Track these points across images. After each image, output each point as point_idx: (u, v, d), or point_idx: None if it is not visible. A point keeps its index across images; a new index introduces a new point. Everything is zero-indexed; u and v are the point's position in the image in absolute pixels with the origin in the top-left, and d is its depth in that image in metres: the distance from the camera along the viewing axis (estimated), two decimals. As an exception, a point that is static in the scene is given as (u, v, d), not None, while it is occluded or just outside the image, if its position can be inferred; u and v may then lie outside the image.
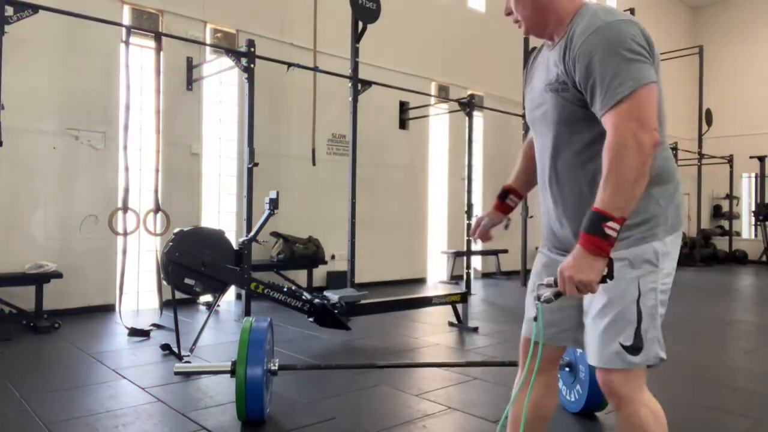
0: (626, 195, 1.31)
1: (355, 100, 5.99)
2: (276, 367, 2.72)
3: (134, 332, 4.40)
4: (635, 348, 1.46)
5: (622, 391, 1.48)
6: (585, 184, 1.50)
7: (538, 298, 1.44)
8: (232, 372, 2.56)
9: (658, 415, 1.53)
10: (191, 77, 5.93)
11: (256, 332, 2.61)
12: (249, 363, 2.48)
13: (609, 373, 1.48)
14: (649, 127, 1.31)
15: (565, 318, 1.64)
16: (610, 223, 1.30)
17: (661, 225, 1.51)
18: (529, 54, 7.86)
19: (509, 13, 1.62)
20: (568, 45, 1.43)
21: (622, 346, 1.45)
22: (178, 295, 3.97)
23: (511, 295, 7.03)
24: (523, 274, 7.86)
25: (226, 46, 6.06)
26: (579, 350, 2.49)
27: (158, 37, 4.94)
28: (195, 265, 3.88)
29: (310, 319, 4.19)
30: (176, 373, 2.75)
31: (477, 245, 2.04)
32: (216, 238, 4.16)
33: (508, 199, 1.91)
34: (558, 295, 1.40)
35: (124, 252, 4.70)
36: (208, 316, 4.20)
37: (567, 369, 2.82)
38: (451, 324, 4.89)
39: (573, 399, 2.78)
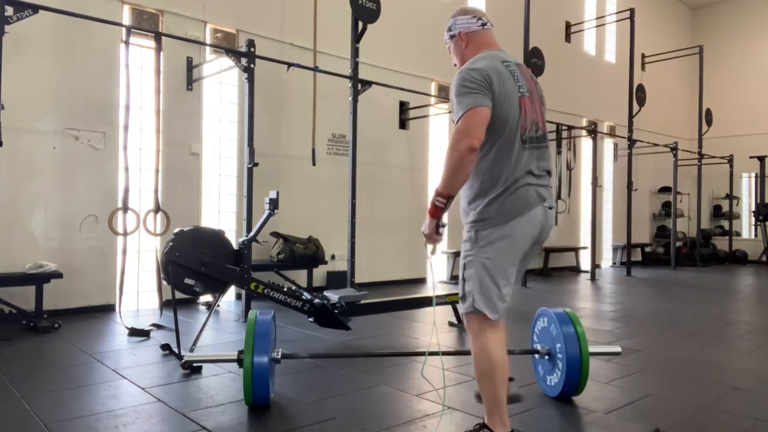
0: (448, 179, 2.07)
1: (355, 100, 5.99)
2: (279, 356, 2.88)
3: (134, 332, 4.40)
4: (462, 298, 2.24)
5: (467, 330, 2.27)
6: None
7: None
8: (239, 361, 2.75)
9: (484, 351, 2.17)
10: (191, 77, 5.93)
11: (261, 324, 2.79)
12: (255, 352, 2.66)
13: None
14: (469, 136, 2.02)
15: None
16: (438, 198, 2.11)
17: (484, 221, 2.19)
18: (527, 57, 7.89)
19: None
20: None
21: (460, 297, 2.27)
22: (178, 295, 3.97)
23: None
24: (523, 274, 7.85)
25: (226, 46, 6.06)
26: (558, 344, 2.92)
27: (158, 37, 4.94)
28: (195, 265, 3.88)
29: (310, 319, 4.19)
30: (185, 363, 3.03)
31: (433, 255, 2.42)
32: (216, 238, 4.16)
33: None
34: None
35: (124, 252, 4.70)
36: (208, 316, 4.20)
37: (546, 357, 3.02)
38: (451, 324, 4.89)
39: (552, 384, 3.00)
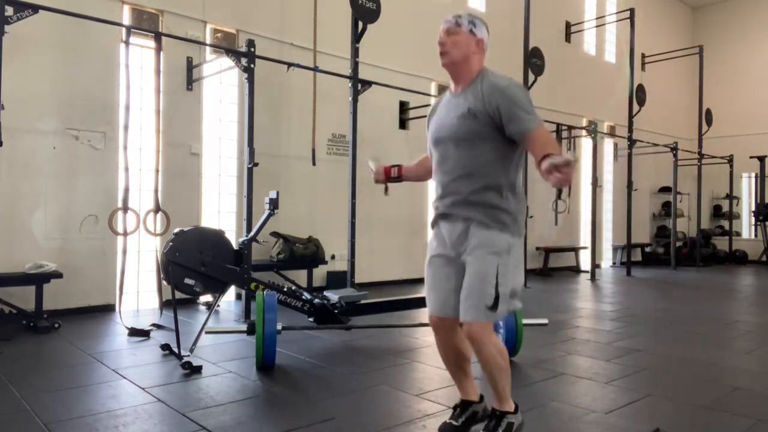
0: (557, 150, 2.08)
1: (355, 100, 5.99)
2: (280, 328, 3.56)
3: (134, 332, 4.40)
4: (493, 306, 2.23)
5: (478, 336, 2.25)
6: (475, 171, 2.28)
7: None
8: (249, 331, 3.51)
9: (501, 349, 2.28)
10: (191, 77, 5.93)
11: (268, 302, 3.47)
12: (265, 323, 3.37)
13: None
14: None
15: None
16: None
17: (520, 235, 2.34)
18: (527, 57, 7.89)
19: (442, 43, 2.32)
20: (482, 91, 2.23)
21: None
22: (178, 295, 3.97)
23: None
24: (523, 274, 7.85)
25: (226, 46, 6.06)
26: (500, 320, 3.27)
27: (158, 37, 4.94)
28: (195, 265, 3.88)
29: (310, 319, 4.19)
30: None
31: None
32: (216, 238, 4.16)
33: (393, 169, 2.83)
34: None
35: (124, 252, 4.70)
36: (208, 316, 4.20)
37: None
38: (451, 324, 4.89)
39: None
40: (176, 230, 4.02)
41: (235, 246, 4.33)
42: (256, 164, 5.11)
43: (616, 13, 11.09)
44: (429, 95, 7.88)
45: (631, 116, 9.92)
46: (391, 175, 2.79)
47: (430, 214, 2.47)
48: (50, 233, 5.10)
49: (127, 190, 4.66)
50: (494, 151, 2.24)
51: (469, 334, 2.23)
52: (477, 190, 2.26)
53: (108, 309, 5.35)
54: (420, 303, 4.91)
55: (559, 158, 1.92)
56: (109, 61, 5.37)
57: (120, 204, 4.71)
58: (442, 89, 8.46)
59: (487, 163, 2.25)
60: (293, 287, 4.45)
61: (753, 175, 13.08)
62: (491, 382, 2.31)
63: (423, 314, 5.22)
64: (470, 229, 2.26)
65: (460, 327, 2.30)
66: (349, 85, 6.01)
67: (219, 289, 4.18)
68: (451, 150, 2.31)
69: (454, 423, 2.42)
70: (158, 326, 4.67)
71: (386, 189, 2.88)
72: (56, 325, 4.51)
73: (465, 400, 2.47)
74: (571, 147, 9.30)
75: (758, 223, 12.62)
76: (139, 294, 5.64)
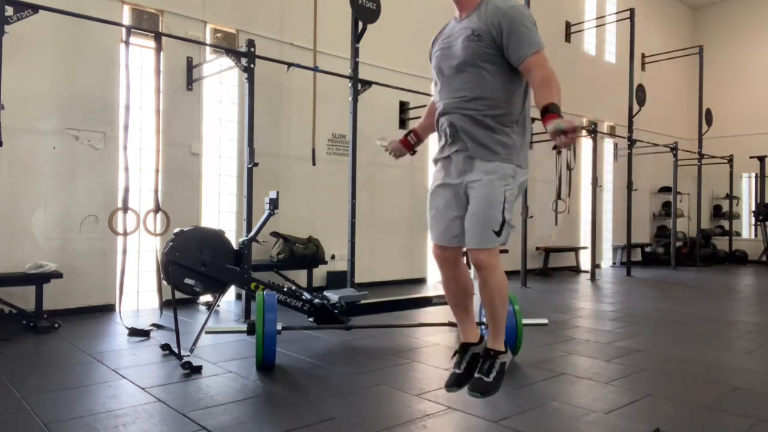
0: (560, 98, 2.13)
1: (355, 100, 5.99)
2: (280, 328, 3.54)
3: (134, 332, 4.40)
4: (498, 232, 2.25)
5: (484, 263, 2.26)
6: (479, 95, 2.27)
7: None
8: (249, 331, 3.50)
9: (504, 278, 2.31)
10: (191, 77, 5.93)
11: (268, 302, 3.48)
12: (265, 323, 3.38)
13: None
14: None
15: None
16: (558, 108, 2.10)
17: (524, 163, 2.34)
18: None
19: None
20: (486, 13, 2.23)
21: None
22: (178, 295, 3.97)
23: (511, 295, 7.02)
24: (523, 274, 7.86)
25: (226, 46, 6.06)
26: None
27: (158, 37, 4.94)
28: (195, 265, 3.88)
29: (310, 319, 4.19)
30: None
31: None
32: (216, 238, 4.16)
33: (409, 137, 2.75)
34: None
35: (124, 252, 4.70)
36: (208, 316, 4.20)
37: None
38: (451, 324, 4.88)
39: None
40: (176, 230, 4.02)
41: (235, 246, 4.33)
42: (256, 164, 5.11)
43: (616, 13, 11.08)
44: (429, 95, 7.87)
45: (631, 116, 9.92)
46: (411, 144, 2.77)
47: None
48: (50, 233, 5.10)
49: (127, 190, 4.66)
50: (499, 75, 2.24)
51: (477, 261, 2.24)
52: (481, 113, 2.25)
53: (108, 309, 5.35)
54: (420, 303, 4.91)
55: (565, 123, 1.93)
56: (109, 61, 5.37)
57: (120, 204, 4.71)
58: (442, 89, 8.47)
59: (491, 88, 2.24)
60: (293, 287, 4.45)
61: (753, 175, 13.08)
62: (491, 313, 2.32)
63: (423, 314, 5.23)
64: (476, 158, 2.26)
65: (464, 257, 2.32)
66: (349, 85, 6.01)
67: (219, 289, 4.18)
68: (456, 75, 2.30)
69: (457, 371, 2.40)
70: (158, 326, 4.67)
71: (414, 153, 2.87)
72: (56, 325, 4.51)
73: (464, 343, 2.47)
74: (571, 147, 9.29)
75: (758, 223, 12.61)
76: (139, 294, 5.64)
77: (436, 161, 2.45)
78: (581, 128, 2.18)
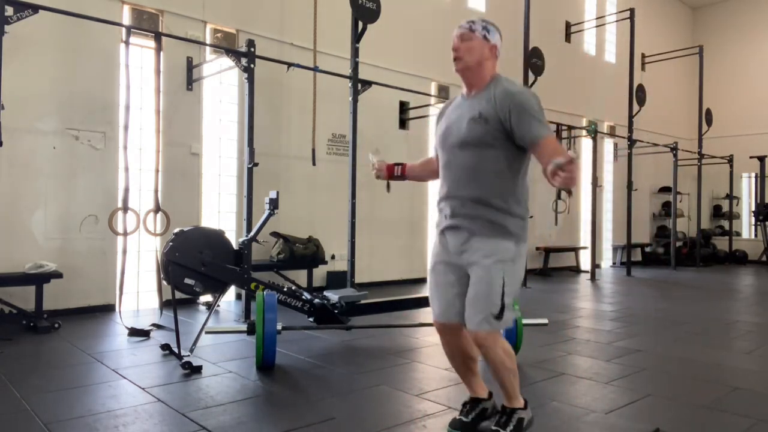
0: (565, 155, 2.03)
1: (355, 100, 5.99)
2: (280, 328, 3.55)
3: (134, 332, 4.40)
4: (498, 315, 2.25)
5: (487, 342, 2.27)
6: (481, 177, 2.29)
7: None
8: (249, 331, 3.51)
9: (510, 351, 2.33)
10: (191, 77, 5.93)
11: (268, 302, 3.46)
12: (265, 323, 3.37)
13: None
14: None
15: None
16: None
17: (525, 239, 2.37)
18: (527, 57, 7.89)
19: (456, 49, 2.32)
20: (495, 96, 2.24)
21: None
22: (178, 295, 3.97)
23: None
24: (523, 274, 7.84)
25: (226, 46, 6.06)
26: None
27: (158, 37, 4.94)
28: (195, 265, 3.88)
29: (310, 319, 4.19)
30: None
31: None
32: (216, 238, 4.16)
33: (396, 168, 2.78)
34: None
35: (124, 252, 4.70)
36: (208, 316, 4.20)
37: None
38: (451, 324, 4.89)
39: None
40: (176, 230, 4.02)
41: (235, 246, 4.33)
42: (256, 164, 5.11)
43: (616, 13, 11.08)
44: (429, 95, 7.89)
45: (631, 116, 9.92)
46: (394, 173, 2.79)
47: (431, 214, 2.49)
48: (50, 233, 5.10)
49: (127, 190, 4.66)
50: (502, 158, 2.26)
51: (477, 341, 2.28)
52: (482, 195, 2.27)
53: (108, 309, 5.35)
54: (420, 303, 4.91)
55: (561, 158, 1.93)
56: (109, 61, 5.37)
57: (120, 204, 4.71)
58: (442, 89, 8.48)
59: (493, 170, 2.26)
60: (293, 287, 4.45)
61: (753, 175, 13.08)
62: (500, 382, 2.35)
63: (423, 314, 5.23)
64: (475, 236, 2.27)
65: (466, 329, 2.34)
66: (349, 85, 6.01)
67: (219, 289, 4.18)
68: (459, 154, 2.31)
69: (464, 419, 2.47)
70: (158, 326, 4.67)
71: (388, 186, 2.89)
72: (56, 325, 4.51)
73: (474, 398, 2.51)
74: (571, 147, 9.30)
75: (758, 223, 12.61)
76: (139, 294, 5.64)
77: (437, 233, 2.45)
78: (577, 159, 2.18)
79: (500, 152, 2.25)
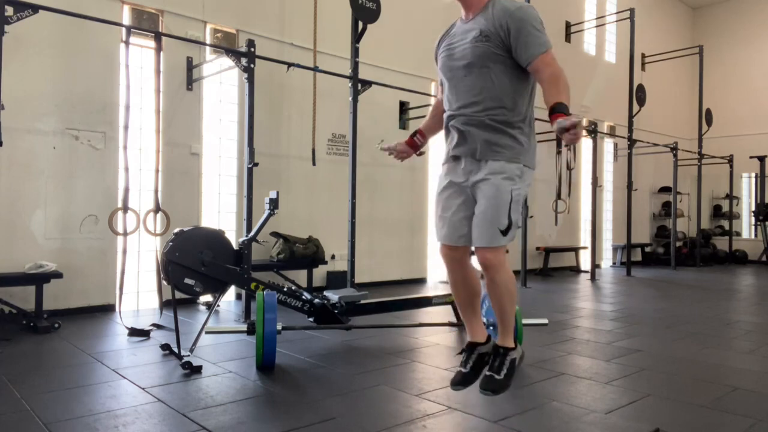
0: (568, 97, 2.14)
1: (355, 100, 5.99)
2: (280, 328, 3.54)
3: (134, 332, 4.40)
4: (505, 231, 2.27)
5: (491, 262, 2.28)
6: (486, 97, 2.30)
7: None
8: (249, 331, 3.50)
9: (512, 276, 2.34)
10: (191, 77, 5.93)
11: (268, 302, 3.47)
12: (265, 323, 3.37)
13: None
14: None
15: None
16: (567, 107, 2.11)
17: (532, 164, 2.36)
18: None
19: None
20: (494, 15, 2.25)
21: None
22: (178, 295, 3.97)
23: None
24: (523, 274, 7.86)
25: (226, 46, 6.06)
26: None
27: (158, 37, 4.94)
28: (195, 265, 3.88)
29: (310, 319, 4.19)
30: (206, 333, 3.65)
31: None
32: (216, 238, 4.16)
33: (415, 138, 2.80)
34: None
35: (124, 252, 4.69)
36: (208, 316, 4.20)
37: (491, 327, 3.51)
38: (451, 324, 4.89)
39: None
40: (176, 230, 4.02)
41: (235, 246, 4.33)
42: (256, 164, 5.11)
43: (616, 13, 11.08)
44: (429, 95, 7.89)
45: (631, 116, 9.92)
46: (417, 144, 2.81)
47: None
48: (50, 233, 5.10)
49: (127, 190, 4.66)
50: (506, 76, 2.27)
51: (484, 260, 2.27)
52: (489, 117, 2.28)
53: (108, 309, 5.35)
54: (420, 303, 4.92)
55: (566, 121, 1.97)
56: (109, 61, 5.37)
57: (120, 204, 4.70)
58: (442, 89, 8.46)
59: (499, 89, 2.27)
60: (293, 287, 4.45)
61: (753, 175, 13.08)
62: (500, 311, 2.35)
63: (423, 314, 5.24)
64: (482, 157, 2.29)
65: (471, 255, 2.35)
66: (349, 85, 6.01)
67: (219, 289, 4.18)
68: (463, 75, 2.32)
69: (463, 370, 2.44)
70: (158, 326, 4.67)
71: (420, 155, 2.93)
72: (56, 325, 4.51)
73: (471, 342, 2.49)
74: (571, 147, 9.29)
75: (758, 223, 12.62)
76: (139, 294, 5.64)
77: (444, 162, 2.48)
78: (581, 123, 2.21)
79: (504, 71, 2.26)
